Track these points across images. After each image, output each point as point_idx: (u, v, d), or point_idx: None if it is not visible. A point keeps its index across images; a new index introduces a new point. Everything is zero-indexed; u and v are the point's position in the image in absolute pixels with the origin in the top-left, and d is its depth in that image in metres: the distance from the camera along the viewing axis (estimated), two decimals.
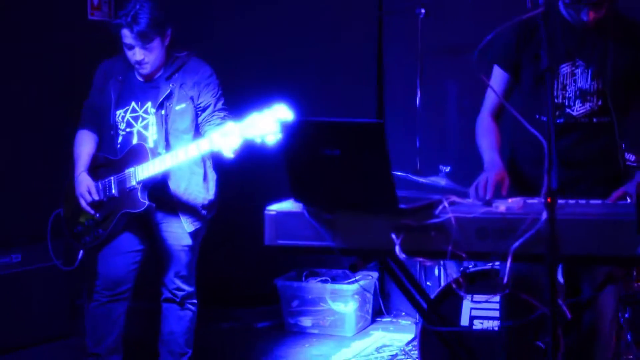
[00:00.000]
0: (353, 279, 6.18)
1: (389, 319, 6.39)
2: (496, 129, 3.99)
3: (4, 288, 5.66)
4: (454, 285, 4.37)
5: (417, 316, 5.55)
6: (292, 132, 3.39)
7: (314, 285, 6.18)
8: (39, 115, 6.20)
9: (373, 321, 6.30)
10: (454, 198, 3.49)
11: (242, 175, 5.35)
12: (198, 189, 4.83)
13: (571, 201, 3.43)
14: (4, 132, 6.02)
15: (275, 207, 3.51)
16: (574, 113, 3.80)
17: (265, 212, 3.51)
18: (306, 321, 6.13)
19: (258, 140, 4.29)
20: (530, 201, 3.39)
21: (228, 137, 4.32)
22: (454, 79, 6.04)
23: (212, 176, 4.94)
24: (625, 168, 3.88)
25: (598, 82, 3.77)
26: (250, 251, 5.96)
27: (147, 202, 4.65)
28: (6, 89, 6.01)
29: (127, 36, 4.65)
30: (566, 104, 3.81)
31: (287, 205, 3.53)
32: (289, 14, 6.41)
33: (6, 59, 6.01)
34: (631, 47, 3.77)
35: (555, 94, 3.80)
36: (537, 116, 3.83)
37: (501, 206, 3.32)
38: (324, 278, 6.28)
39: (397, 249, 3.29)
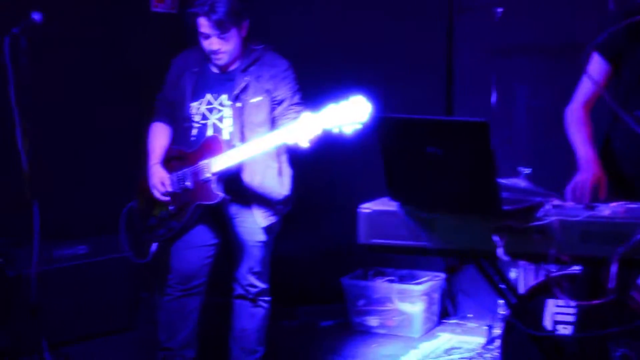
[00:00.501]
0: (422, 279, 6.09)
1: (455, 321, 6.27)
2: (589, 122, 3.89)
3: (69, 279, 5.60)
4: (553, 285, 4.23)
5: (493, 319, 5.50)
6: (392, 129, 3.31)
7: (381, 285, 6.10)
8: (108, 108, 6.13)
9: (439, 323, 6.19)
10: (557, 200, 3.42)
11: (311, 173, 5.24)
12: (273, 183, 4.76)
13: None
14: (74, 124, 5.95)
15: (369, 205, 3.44)
16: None
17: (359, 209, 3.44)
18: (372, 321, 6.04)
19: (336, 131, 4.22)
20: (631, 206, 3.28)
21: (305, 127, 4.25)
22: (526, 80, 5.91)
23: (287, 171, 4.86)
24: None
25: None
26: (316, 249, 5.94)
27: (221, 195, 4.58)
28: (74, 83, 5.94)
29: (204, 25, 4.59)
30: None
31: (381, 204, 3.45)
32: (361, 8, 6.30)
33: (72, 52, 5.94)
34: None
35: None
36: (637, 112, 3.73)
37: (605, 210, 3.22)
38: (390, 278, 6.19)
39: (500, 251, 3.20)
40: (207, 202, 4.61)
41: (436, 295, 6.13)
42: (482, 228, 3.25)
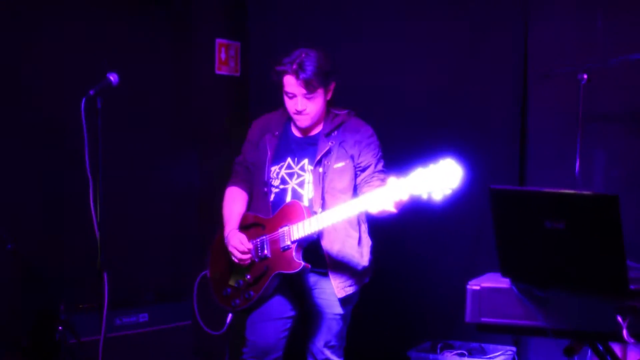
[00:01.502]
0: (494, 354, 5.87)
1: None
2: None
3: (131, 347, 5.41)
4: None
5: None
6: (507, 202, 3.15)
7: (452, 359, 5.88)
8: (176, 170, 6.04)
9: None
10: None
11: (386, 241, 5.07)
12: (352, 253, 4.59)
13: None
14: (140, 186, 5.85)
15: (478, 282, 3.27)
16: None
17: (468, 286, 3.28)
18: None
19: (425, 197, 4.04)
20: None
21: (392, 192, 4.09)
22: (605, 148, 5.75)
23: (367, 241, 4.69)
24: None
25: None
26: (381, 319, 5.76)
27: (302, 263, 4.40)
28: (141, 143, 5.85)
29: (291, 84, 4.47)
30: None
31: (490, 280, 3.28)
32: (435, 72, 6.18)
33: (138, 114, 5.86)
34: None
35: None
36: None
37: None
38: (459, 351, 5.97)
39: (625, 333, 3.01)
40: (288, 272, 4.44)
41: None
42: (604, 308, 3.07)
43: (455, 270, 6.13)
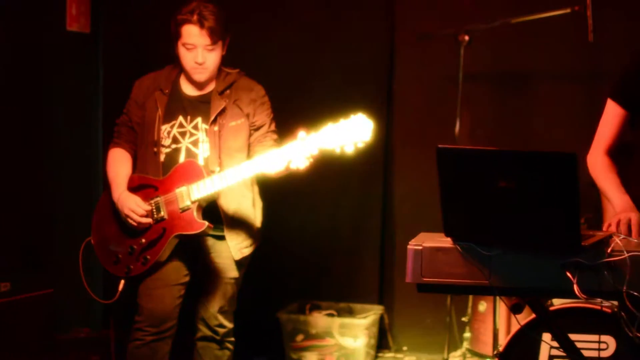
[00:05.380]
0: (365, 313, 5.91)
1: (391, 354, 6.12)
2: (616, 168, 3.81)
3: None
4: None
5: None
6: (455, 161, 3.12)
7: (321, 319, 5.86)
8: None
9: (375, 356, 6.02)
10: (623, 235, 3.33)
11: None
12: (247, 213, 4.50)
13: None
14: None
15: (419, 242, 3.23)
16: None
17: (409, 246, 3.22)
18: (311, 357, 5.80)
19: (337, 151, 4.01)
20: None
21: (303, 147, 4.02)
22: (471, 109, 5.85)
23: (259, 203, 4.62)
24: None
25: None
26: (250, 281, 5.68)
27: (205, 222, 4.27)
28: None
29: (193, 34, 4.33)
30: None
31: (432, 240, 3.25)
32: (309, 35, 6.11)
33: None
34: None
35: None
36: None
37: None
38: (328, 312, 5.97)
39: (576, 288, 3.06)
40: (188, 232, 4.29)
41: (375, 329, 5.94)
42: (552, 265, 3.09)
43: (321, 232, 6.13)
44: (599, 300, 3.48)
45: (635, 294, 3.04)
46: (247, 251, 4.51)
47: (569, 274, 3.07)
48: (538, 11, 5.28)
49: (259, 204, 4.60)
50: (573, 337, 3.79)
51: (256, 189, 4.59)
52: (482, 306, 5.15)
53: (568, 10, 5.14)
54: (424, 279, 3.23)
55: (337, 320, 5.85)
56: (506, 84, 5.92)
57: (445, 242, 3.21)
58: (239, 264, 4.51)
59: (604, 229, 3.56)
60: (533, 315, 4.01)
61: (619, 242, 3.18)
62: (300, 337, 5.84)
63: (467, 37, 5.31)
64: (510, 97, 5.89)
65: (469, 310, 5.40)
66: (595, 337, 4.05)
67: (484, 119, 5.91)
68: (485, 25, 5.31)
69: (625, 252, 3.06)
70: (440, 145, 3.10)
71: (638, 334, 3.15)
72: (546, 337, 4.15)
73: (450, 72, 5.48)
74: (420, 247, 3.22)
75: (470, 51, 5.40)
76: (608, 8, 5.28)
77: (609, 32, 5.31)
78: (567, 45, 5.64)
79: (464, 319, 5.45)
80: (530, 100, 5.85)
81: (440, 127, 5.61)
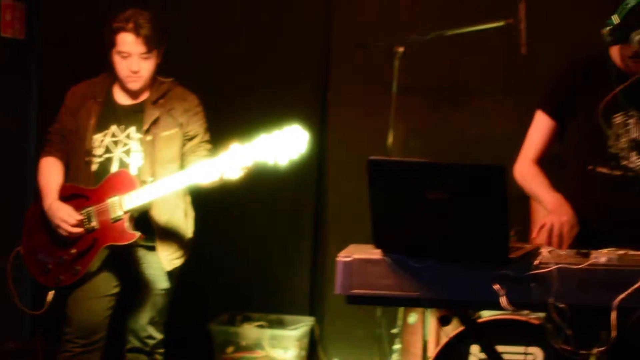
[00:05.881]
0: (296, 325, 5.89)
1: None
2: (544, 173, 3.85)
3: None
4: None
5: None
6: (385, 172, 3.13)
7: (252, 331, 5.84)
8: None
9: None
10: (551, 247, 3.37)
11: None
12: (179, 224, 4.48)
13: None
14: None
15: (348, 253, 3.23)
16: (631, 166, 3.68)
17: (339, 258, 3.22)
18: None
19: (270, 162, 4.00)
20: (619, 252, 3.24)
21: (236, 159, 4.01)
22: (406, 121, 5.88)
23: (191, 213, 4.59)
24: None
25: None
26: (181, 293, 5.65)
27: (137, 233, 4.23)
28: None
29: (128, 42, 4.29)
30: (620, 155, 3.70)
31: (361, 251, 3.26)
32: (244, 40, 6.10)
33: None
34: None
35: (609, 143, 3.69)
36: (591, 167, 3.72)
37: (601, 257, 3.16)
38: (260, 323, 5.94)
39: (503, 300, 3.08)
40: (119, 243, 4.25)
41: (306, 341, 5.93)
42: (481, 277, 3.11)
43: (253, 243, 6.11)
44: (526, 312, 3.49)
45: (562, 305, 3.06)
46: (178, 262, 4.48)
47: (496, 286, 3.08)
48: (473, 24, 5.31)
49: (190, 214, 4.57)
50: (501, 348, 3.82)
51: (188, 199, 4.56)
52: (412, 318, 5.16)
53: (502, 23, 5.18)
54: (353, 291, 3.22)
55: (268, 332, 5.82)
56: (441, 95, 5.94)
57: (375, 253, 3.21)
58: (170, 274, 4.48)
59: (534, 234, 3.58)
60: (462, 327, 4.04)
61: (546, 254, 3.22)
62: (230, 349, 5.80)
63: (402, 49, 5.31)
64: (444, 109, 5.92)
65: (399, 322, 5.41)
66: (522, 349, 4.09)
67: (418, 131, 5.92)
68: (420, 37, 5.32)
69: (552, 264, 3.08)
70: (371, 157, 3.10)
71: (564, 346, 3.17)
72: (474, 348, 4.19)
73: (386, 84, 5.48)
74: (350, 259, 3.21)
75: (406, 62, 5.40)
76: (541, 21, 5.34)
77: (542, 45, 5.35)
78: (501, 58, 5.68)
79: (394, 330, 5.45)
80: (464, 112, 5.89)
81: (374, 138, 5.60)
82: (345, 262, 3.22)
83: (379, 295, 3.22)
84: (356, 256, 3.21)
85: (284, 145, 3.93)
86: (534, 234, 3.59)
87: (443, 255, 3.13)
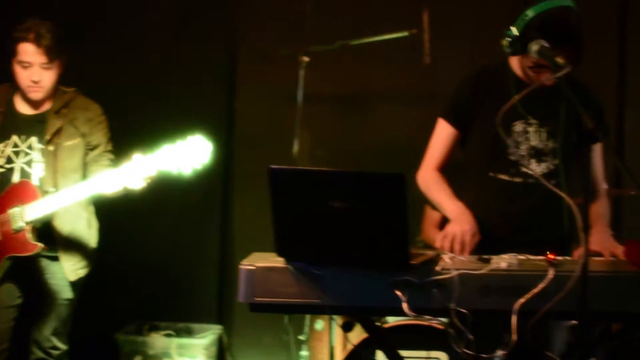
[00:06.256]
0: (203, 333, 5.87)
1: None
2: (446, 181, 3.91)
3: None
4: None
5: None
6: (286, 181, 3.15)
7: (159, 340, 5.80)
8: None
9: None
10: (451, 253, 3.41)
11: None
12: (82, 234, 4.45)
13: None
14: None
15: (251, 262, 3.24)
16: (531, 172, 3.74)
17: (241, 266, 3.23)
18: None
19: (174, 172, 3.99)
20: (520, 257, 3.31)
21: (138, 169, 3.99)
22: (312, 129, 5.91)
23: (94, 224, 4.57)
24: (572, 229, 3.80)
25: (553, 142, 3.76)
26: (86, 303, 5.61)
27: (40, 244, 4.19)
28: None
29: (29, 52, 4.27)
30: (520, 162, 3.76)
31: (264, 260, 3.27)
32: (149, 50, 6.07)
33: None
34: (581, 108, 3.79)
35: (509, 151, 3.75)
36: (492, 174, 3.78)
37: (501, 262, 3.22)
38: (167, 332, 5.91)
39: (405, 306, 3.12)
40: (22, 254, 4.20)
41: (214, 349, 5.92)
42: (383, 283, 3.14)
43: (160, 252, 6.08)
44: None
45: (463, 310, 3.11)
46: (82, 272, 4.44)
47: (398, 293, 3.11)
48: (377, 34, 5.36)
49: (94, 224, 4.54)
50: (405, 353, 3.84)
51: (92, 209, 4.53)
52: (319, 324, 5.18)
53: (406, 34, 5.25)
54: (257, 299, 3.23)
55: (175, 341, 5.79)
56: (346, 104, 5.99)
57: (278, 261, 3.22)
58: (74, 285, 4.44)
59: (438, 243, 3.61)
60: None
61: (447, 260, 3.26)
62: (138, 359, 5.76)
63: (306, 58, 5.34)
64: (350, 118, 5.97)
65: (307, 329, 5.42)
66: (426, 354, 4.14)
67: (324, 140, 5.96)
68: (324, 46, 5.36)
69: (453, 270, 3.13)
70: (272, 166, 3.12)
71: (466, 350, 3.21)
72: (380, 355, 4.22)
73: (291, 93, 5.50)
74: (253, 267, 3.22)
75: (311, 72, 5.44)
76: (444, 32, 5.42)
77: (445, 54, 5.44)
78: (405, 67, 5.75)
79: (301, 337, 5.47)
80: (369, 120, 5.95)
81: (280, 147, 5.63)
82: (248, 270, 3.22)
83: (282, 303, 3.23)
84: (259, 264, 3.22)
85: (187, 155, 3.92)
86: (437, 244, 3.62)
87: (345, 262, 3.16)
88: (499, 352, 3.21)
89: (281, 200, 3.13)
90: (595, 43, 5.25)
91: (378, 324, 4.49)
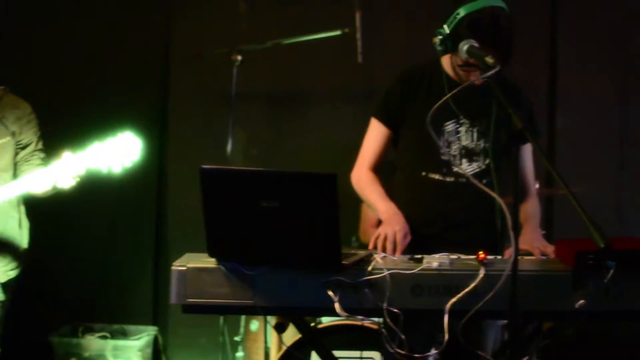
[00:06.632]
0: (139, 335, 5.84)
1: None
2: (379, 181, 3.92)
3: None
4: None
5: None
6: (218, 182, 3.14)
7: (94, 342, 5.76)
8: None
9: None
10: (384, 253, 3.42)
11: None
12: (13, 235, 4.38)
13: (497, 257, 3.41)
14: None
15: (183, 262, 3.23)
16: (463, 172, 3.76)
17: (173, 267, 3.22)
18: None
19: (104, 170, 3.95)
20: (453, 257, 3.33)
21: (67, 167, 3.94)
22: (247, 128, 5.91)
23: (25, 224, 4.49)
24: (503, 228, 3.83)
25: (484, 142, 3.79)
26: (19, 305, 5.55)
27: None
28: None
29: None
30: (452, 161, 3.78)
31: (196, 260, 3.26)
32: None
33: None
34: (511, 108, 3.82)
35: (440, 151, 3.77)
36: (424, 173, 3.80)
37: (433, 262, 3.23)
38: (101, 334, 5.87)
39: (337, 306, 3.13)
40: None
41: (149, 351, 5.89)
42: (315, 284, 3.15)
43: (94, 253, 6.04)
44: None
45: (395, 310, 3.12)
46: (13, 273, 4.38)
47: (330, 293, 3.12)
48: (310, 33, 5.37)
49: (25, 224, 4.48)
50: (340, 354, 3.85)
51: (23, 209, 4.47)
52: (254, 325, 5.18)
53: (339, 33, 5.26)
54: (189, 300, 3.22)
55: (111, 343, 5.77)
56: (281, 103, 6.00)
57: (210, 262, 3.21)
58: (5, 286, 4.37)
59: (371, 245, 3.63)
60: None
61: (379, 260, 3.27)
62: None
63: (239, 57, 5.34)
64: (284, 117, 5.98)
65: (242, 330, 5.42)
66: (360, 354, 4.14)
67: (259, 139, 5.96)
68: (257, 45, 5.35)
69: (385, 270, 3.13)
70: (203, 166, 3.11)
71: (399, 350, 3.23)
72: (315, 355, 4.22)
73: (225, 92, 5.49)
74: (184, 268, 3.21)
75: (245, 71, 5.43)
76: (377, 30, 5.43)
77: (378, 53, 5.46)
78: (339, 66, 5.76)
79: (236, 338, 5.46)
80: (304, 119, 5.96)
81: (215, 146, 5.62)
82: (180, 271, 3.22)
83: (214, 304, 3.23)
84: (190, 265, 3.21)
85: (117, 153, 3.87)
86: (371, 245, 3.63)
87: (277, 263, 3.16)
88: (433, 352, 3.22)
89: (213, 200, 3.12)
90: (528, 44, 5.38)
91: (312, 324, 4.50)
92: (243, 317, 5.44)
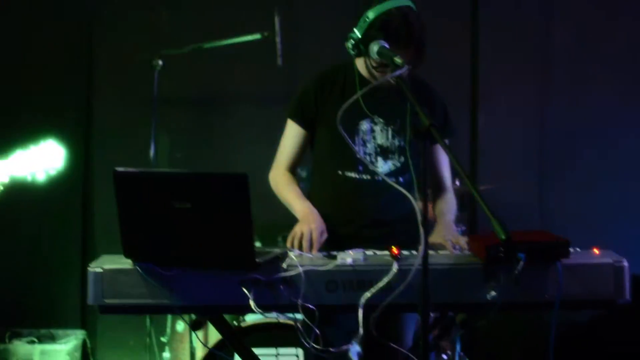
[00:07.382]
0: (66, 338, 5.83)
1: None
2: (295, 181, 3.97)
3: None
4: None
5: None
6: (131, 184, 3.17)
7: (22, 347, 5.74)
8: None
9: None
10: (298, 251, 3.47)
11: None
12: None
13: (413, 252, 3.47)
14: None
15: (99, 264, 3.26)
16: (379, 170, 3.82)
17: (89, 269, 3.25)
18: None
19: (28, 178, 3.94)
20: (368, 253, 3.38)
21: None
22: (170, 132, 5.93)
23: None
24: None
25: (399, 140, 3.85)
26: None
27: None
28: None
29: None
30: (368, 160, 3.84)
31: (113, 262, 3.28)
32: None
33: None
34: (424, 106, 3.89)
35: (356, 149, 3.82)
36: (340, 172, 3.85)
37: (347, 258, 3.29)
38: (29, 338, 5.85)
39: (252, 303, 3.17)
40: None
41: (78, 354, 5.88)
42: (230, 282, 3.19)
43: (21, 257, 6.03)
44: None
45: (310, 306, 3.17)
46: None
47: (245, 290, 3.16)
48: (230, 36, 5.40)
49: None
50: (262, 351, 3.89)
51: None
52: (180, 326, 5.20)
53: (258, 36, 5.30)
54: (106, 301, 3.24)
55: (38, 347, 5.74)
56: (203, 107, 6.04)
57: (126, 263, 3.24)
58: None
59: (288, 243, 3.67)
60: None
61: (293, 257, 3.32)
62: None
63: (160, 62, 5.36)
64: (207, 120, 6.02)
65: (168, 330, 5.44)
66: (285, 350, 4.19)
67: (183, 142, 5.99)
68: (177, 50, 5.38)
69: (299, 267, 3.18)
70: (116, 169, 3.13)
71: (314, 345, 3.27)
72: None
73: (148, 96, 5.51)
74: (101, 270, 3.24)
75: (167, 75, 5.46)
76: (297, 33, 5.49)
77: (298, 56, 5.51)
78: (260, 69, 5.81)
79: (163, 339, 5.48)
80: (227, 122, 6.00)
81: (139, 150, 5.63)
82: (96, 273, 3.25)
83: (131, 304, 3.25)
84: (106, 266, 3.24)
85: (40, 160, 3.87)
86: (288, 243, 3.67)
87: (192, 262, 3.20)
88: (349, 346, 3.27)
89: (127, 202, 3.16)
90: (449, 45, 5.46)
91: (235, 323, 4.54)
92: (169, 318, 5.46)
